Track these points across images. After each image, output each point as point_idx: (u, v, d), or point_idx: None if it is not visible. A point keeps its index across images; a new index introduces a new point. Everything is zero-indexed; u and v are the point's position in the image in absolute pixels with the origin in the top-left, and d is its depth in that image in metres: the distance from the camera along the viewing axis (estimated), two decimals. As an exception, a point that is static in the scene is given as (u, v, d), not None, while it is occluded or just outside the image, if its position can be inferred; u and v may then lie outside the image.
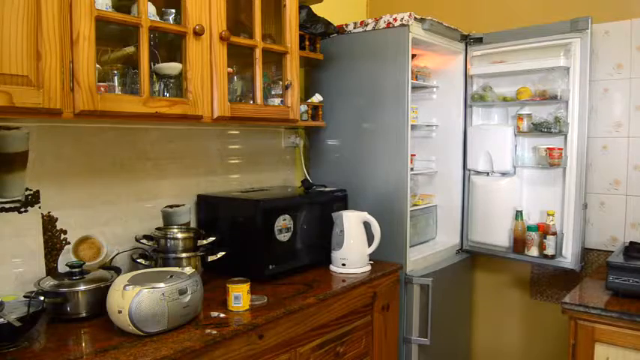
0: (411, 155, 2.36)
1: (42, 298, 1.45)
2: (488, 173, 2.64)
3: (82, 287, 1.54)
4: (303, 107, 2.32)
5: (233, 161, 2.38)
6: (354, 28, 2.43)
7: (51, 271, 1.71)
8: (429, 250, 2.57)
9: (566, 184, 2.39)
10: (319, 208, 2.21)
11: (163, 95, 1.75)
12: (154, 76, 1.72)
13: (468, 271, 2.84)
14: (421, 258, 2.44)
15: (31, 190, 1.67)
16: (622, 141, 2.39)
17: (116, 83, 1.66)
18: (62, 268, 1.71)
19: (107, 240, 1.83)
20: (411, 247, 2.36)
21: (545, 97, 2.45)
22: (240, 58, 1.99)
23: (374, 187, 2.40)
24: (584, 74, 2.31)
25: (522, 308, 2.75)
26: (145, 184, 2.01)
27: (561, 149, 2.40)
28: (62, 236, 1.75)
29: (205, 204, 2.17)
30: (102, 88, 1.52)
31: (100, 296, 1.52)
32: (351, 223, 2.14)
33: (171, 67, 1.73)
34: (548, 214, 2.43)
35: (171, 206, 2.07)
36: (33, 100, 1.31)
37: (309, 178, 2.62)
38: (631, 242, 2.21)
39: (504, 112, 2.68)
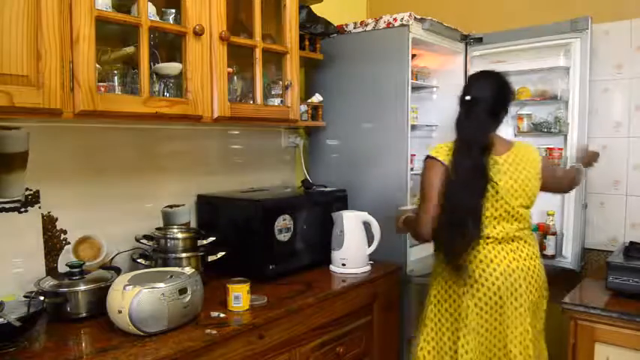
0: (411, 155, 2.36)
1: (42, 298, 1.45)
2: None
3: (82, 287, 1.54)
4: (303, 107, 2.32)
5: (233, 161, 2.37)
6: (354, 28, 2.43)
7: (51, 271, 1.71)
8: (429, 250, 2.57)
9: (566, 184, 2.39)
10: (319, 208, 2.20)
11: (163, 95, 1.74)
12: (154, 76, 1.72)
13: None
14: (421, 258, 2.44)
15: (31, 190, 1.67)
16: (622, 141, 2.39)
17: (116, 83, 1.66)
18: (62, 268, 1.70)
19: (107, 240, 1.83)
20: (410, 247, 2.36)
21: (545, 97, 2.45)
22: (240, 58, 1.99)
23: (374, 187, 2.40)
24: (584, 74, 2.31)
25: (522, 308, 2.75)
26: (145, 184, 2.01)
27: (561, 149, 2.40)
28: (62, 236, 1.75)
29: (205, 204, 2.16)
30: (102, 88, 1.52)
31: (100, 296, 1.52)
32: (351, 223, 2.14)
33: (171, 67, 1.73)
34: (548, 214, 2.43)
35: (171, 206, 2.07)
36: (33, 100, 1.31)
37: (309, 178, 2.61)
38: (631, 242, 2.21)
39: (504, 112, 2.67)
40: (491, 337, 1.71)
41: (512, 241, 1.74)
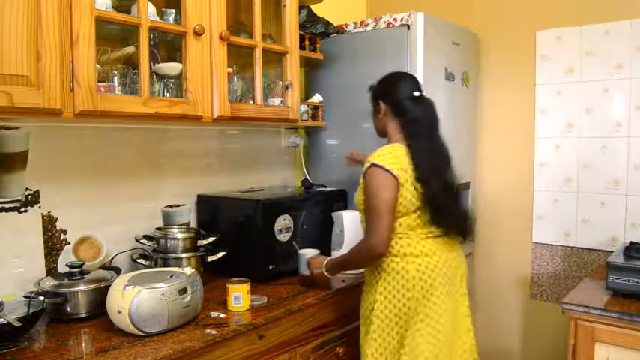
0: (411, 155, 2.36)
1: (42, 298, 1.45)
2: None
3: (82, 287, 1.54)
4: (303, 107, 2.32)
5: (233, 161, 2.37)
6: (354, 28, 2.43)
7: (51, 271, 1.71)
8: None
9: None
10: (319, 208, 2.20)
11: (163, 95, 1.74)
12: (154, 76, 1.72)
13: (468, 270, 2.83)
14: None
15: (31, 190, 1.67)
16: (622, 141, 2.39)
17: (116, 83, 1.66)
18: (62, 268, 1.71)
19: (107, 240, 1.83)
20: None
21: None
22: (240, 58, 1.99)
23: (374, 187, 2.40)
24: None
25: (522, 308, 2.75)
26: (145, 184, 2.01)
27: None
28: (62, 236, 1.75)
29: (205, 204, 2.16)
30: (102, 88, 1.52)
31: (100, 296, 1.52)
32: (351, 223, 2.13)
33: (171, 67, 1.73)
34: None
35: (171, 206, 2.07)
36: (33, 100, 1.31)
37: (309, 178, 2.61)
38: (631, 242, 2.21)
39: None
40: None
41: (438, 236, 1.72)
